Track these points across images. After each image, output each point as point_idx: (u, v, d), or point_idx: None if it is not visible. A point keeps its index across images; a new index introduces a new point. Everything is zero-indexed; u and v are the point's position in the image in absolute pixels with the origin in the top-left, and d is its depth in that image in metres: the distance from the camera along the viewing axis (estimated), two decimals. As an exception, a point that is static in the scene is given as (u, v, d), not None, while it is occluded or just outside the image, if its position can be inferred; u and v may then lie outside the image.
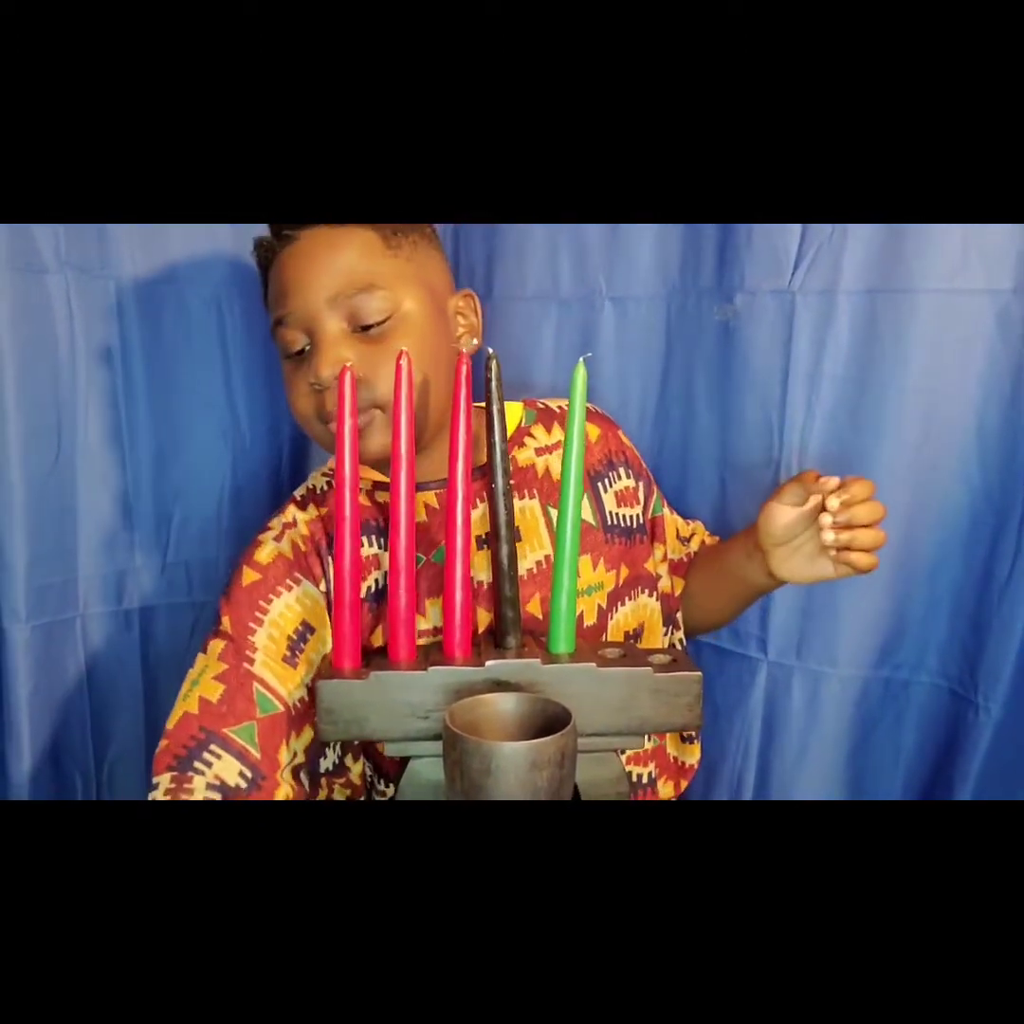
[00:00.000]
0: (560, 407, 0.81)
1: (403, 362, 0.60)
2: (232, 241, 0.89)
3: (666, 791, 0.81)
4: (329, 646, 0.68)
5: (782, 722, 0.88)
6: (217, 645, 0.66)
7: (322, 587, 0.70)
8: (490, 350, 0.62)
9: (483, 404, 0.64)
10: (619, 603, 0.76)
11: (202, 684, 0.64)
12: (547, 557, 0.72)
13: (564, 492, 0.62)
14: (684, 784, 0.83)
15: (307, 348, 0.68)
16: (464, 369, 0.61)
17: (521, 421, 0.78)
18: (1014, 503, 0.76)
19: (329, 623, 0.69)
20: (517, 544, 0.67)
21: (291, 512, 0.73)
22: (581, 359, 0.61)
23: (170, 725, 0.64)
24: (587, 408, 0.78)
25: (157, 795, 0.60)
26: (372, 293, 0.66)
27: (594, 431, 0.80)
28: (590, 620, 0.72)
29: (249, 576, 0.68)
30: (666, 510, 0.84)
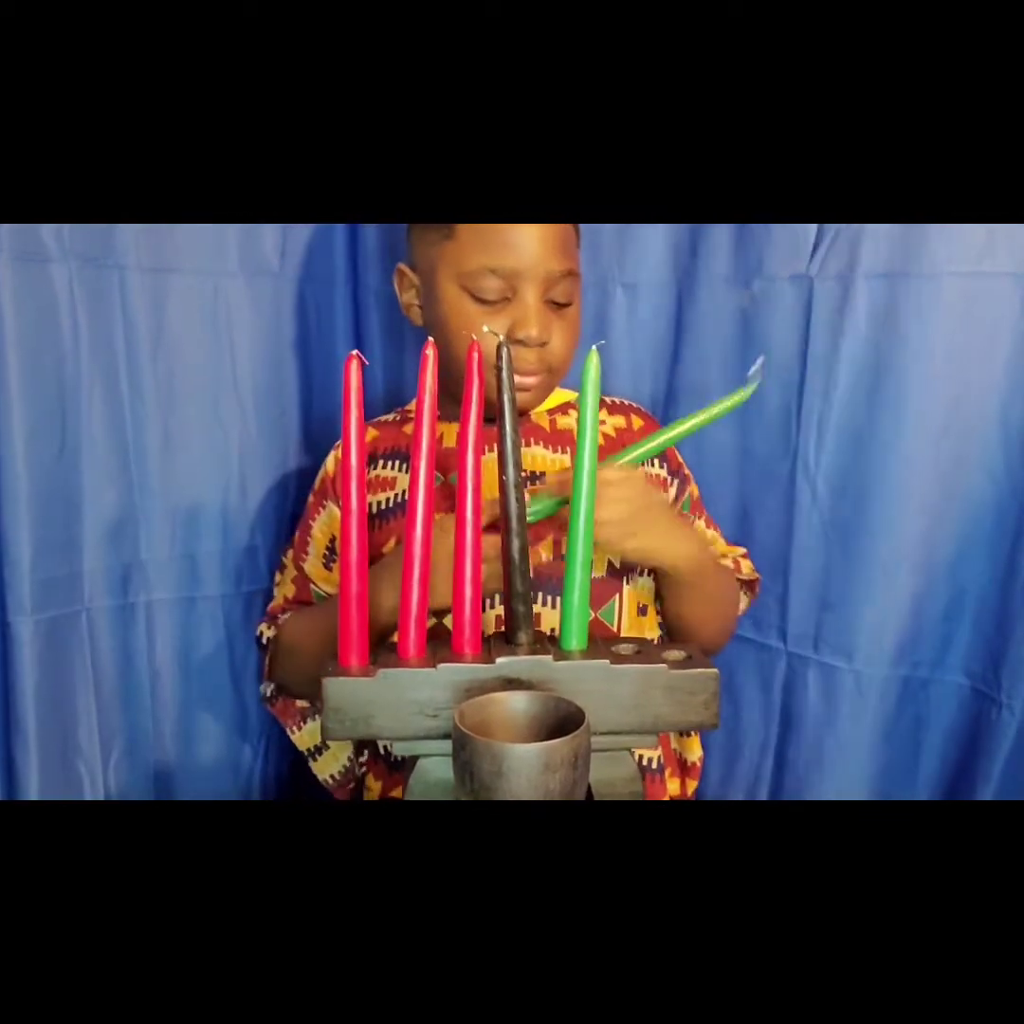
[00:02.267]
0: (612, 401, 0.84)
1: (430, 352, 0.61)
2: (237, 229, 0.88)
3: (673, 787, 0.80)
4: None
5: (800, 717, 0.87)
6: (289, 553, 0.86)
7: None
8: (501, 337, 0.61)
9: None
10: (629, 574, 0.77)
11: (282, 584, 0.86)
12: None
13: (577, 485, 0.60)
14: (691, 784, 0.82)
15: (504, 299, 0.73)
16: (475, 355, 0.59)
17: (574, 399, 0.83)
18: (1040, 494, 0.75)
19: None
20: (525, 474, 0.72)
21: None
22: (594, 347, 0.60)
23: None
24: (634, 407, 0.84)
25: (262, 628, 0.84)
26: (573, 279, 0.76)
27: (637, 422, 0.83)
28: (599, 572, 0.75)
29: (313, 494, 0.84)
30: (700, 522, 0.83)
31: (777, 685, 0.87)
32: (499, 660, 0.59)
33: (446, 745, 0.55)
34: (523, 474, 0.63)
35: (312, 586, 0.83)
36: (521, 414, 0.76)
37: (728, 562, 0.82)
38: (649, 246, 0.90)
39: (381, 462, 0.80)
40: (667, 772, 0.80)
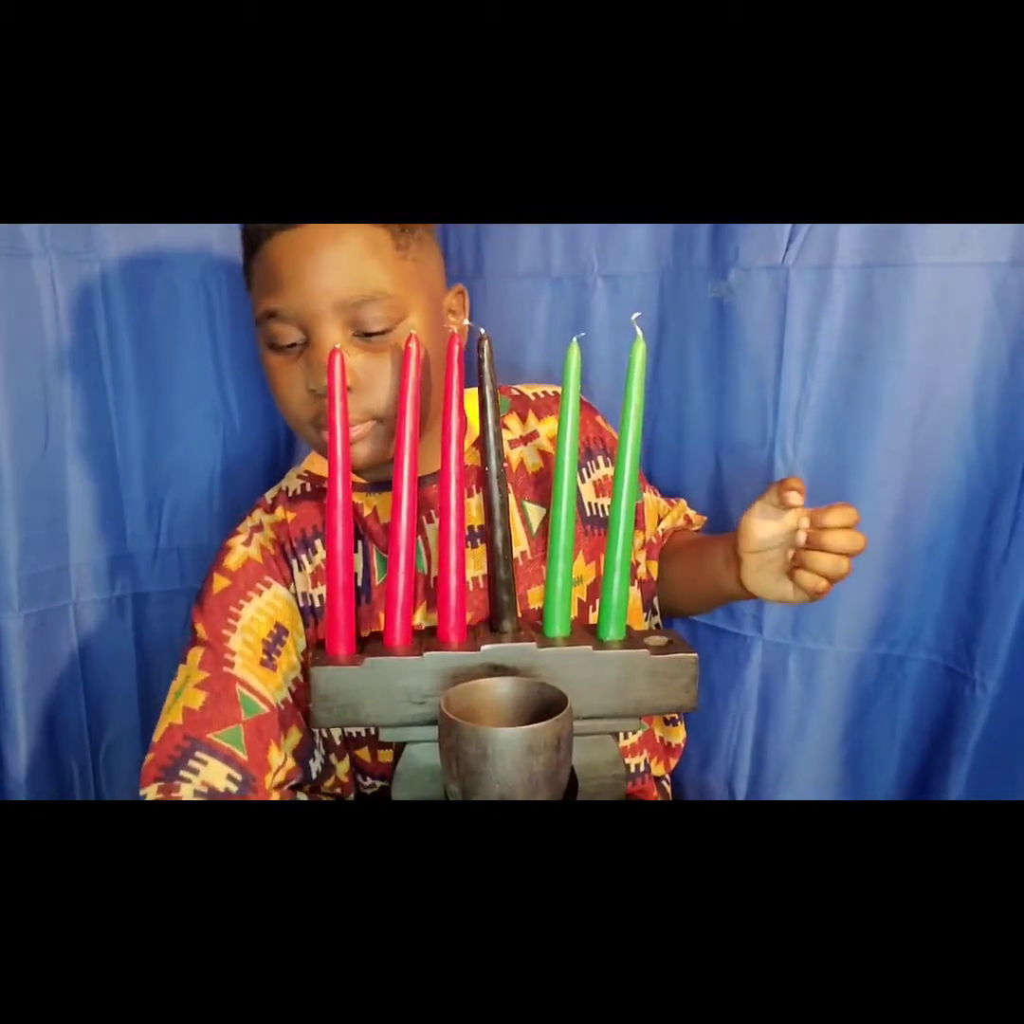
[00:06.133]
0: (535, 394, 0.79)
1: (413, 345, 0.60)
2: (219, 224, 0.88)
3: (657, 771, 0.82)
4: (301, 649, 0.69)
5: (778, 700, 0.88)
6: (196, 654, 0.65)
7: (291, 589, 0.69)
8: (483, 330, 0.61)
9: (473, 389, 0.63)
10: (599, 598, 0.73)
11: (185, 694, 0.64)
12: (522, 553, 0.71)
13: (558, 474, 0.61)
14: (673, 762, 0.84)
15: (300, 343, 0.64)
16: (456, 350, 0.60)
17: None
18: (1012, 478, 0.76)
19: (301, 627, 0.69)
20: None
21: (258, 515, 0.72)
22: (574, 339, 0.60)
23: (156, 738, 0.63)
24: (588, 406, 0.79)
25: None
26: (379, 302, 0.62)
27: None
28: (572, 614, 0.66)
29: (219, 583, 0.67)
30: (647, 494, 0.81)
31: (753, 672, 0.88)
32: (484, 647, 0.60)
33: (433, 731, 0.56)
34: None
35: (241, 690, 0.63)
36: (356, 471, 0.66)
37: (681, 523, 0.84)
38: (630, 238, 0.90)
39: (319, 543, 0.69)
40: (653, 760, 0.81)
